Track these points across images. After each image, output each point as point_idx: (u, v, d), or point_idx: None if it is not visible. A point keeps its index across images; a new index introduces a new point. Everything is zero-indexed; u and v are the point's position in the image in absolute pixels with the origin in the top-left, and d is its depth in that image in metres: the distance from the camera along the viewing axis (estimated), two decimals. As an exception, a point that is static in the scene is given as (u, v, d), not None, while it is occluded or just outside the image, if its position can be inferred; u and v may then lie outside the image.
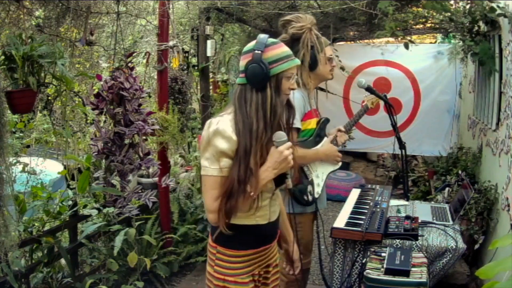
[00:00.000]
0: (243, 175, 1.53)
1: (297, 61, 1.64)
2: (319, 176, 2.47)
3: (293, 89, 1.64)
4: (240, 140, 1.55)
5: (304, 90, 2.40)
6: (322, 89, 2.68)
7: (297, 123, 2.33)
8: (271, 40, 1.63)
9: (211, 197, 1.58)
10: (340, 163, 2.61)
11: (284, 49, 1.63)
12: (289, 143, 1.60)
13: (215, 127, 1.56)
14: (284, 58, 1.60)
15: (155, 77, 3.59)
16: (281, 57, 1.60)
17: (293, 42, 2.35)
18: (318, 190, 2.44)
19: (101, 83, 2.68)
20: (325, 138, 2.47)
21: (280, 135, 1.59)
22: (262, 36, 1.63)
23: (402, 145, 2.62)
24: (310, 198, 2.40)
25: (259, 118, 1.56)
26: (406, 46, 3.35)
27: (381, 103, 2.74)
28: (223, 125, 1.56)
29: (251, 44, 1.63)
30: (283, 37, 2.38)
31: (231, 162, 1.57)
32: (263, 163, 1.58)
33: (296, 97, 2.35)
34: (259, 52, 1.57)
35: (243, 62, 1.61)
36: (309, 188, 2.40)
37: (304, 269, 2.52)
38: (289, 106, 1.72)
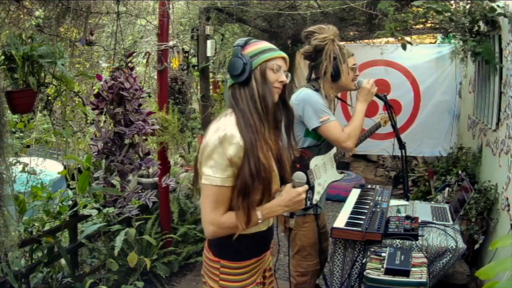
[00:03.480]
0: (254, 169, 1.47)
1: (281, 53, 1.60)
2: (321, 184, 2.46)
3: (282, 81, 1.59)
4: (245, 138, 1.48)
5: (325, 100, 2.38)
6: (339, 98, 2.68)
7: (314, 123, 2.32)
8: (253, 39, 1.63)
9: (212, 208, 1.50)
10: (342, 174, 2.61)
11: (265, 44, 1.60)
12: (306, 186, 1.59)
13: (223, 133, 1.47)
14: (266, 50, 1.57)
15: (155, 77, 3.59)
16: (262, 49, 1.57)
17: (316, 53, 2.35)
18: (317, 197, 2.43)
19: (101, 83, 2.68)
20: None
21: (300, 176, 1.58)
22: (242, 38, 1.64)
23: (402, 145, 2.62)
24: (308, 203, 2.39)
25: (252, 112, 1.52)
26: (404, 47, 3.35)
27: (381, 103, 2.75)
28: (231, 130, 1.48)
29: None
30: (307, 49, 2.39)
31: (235, 171, 1.48)
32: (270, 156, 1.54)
33: (314, 95, 2.35)
34: (238, 46, 1.57)
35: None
36: (309, 194, 2.39)
37: (311, 270, 2.51)
38: (287, 108, 1.66)
